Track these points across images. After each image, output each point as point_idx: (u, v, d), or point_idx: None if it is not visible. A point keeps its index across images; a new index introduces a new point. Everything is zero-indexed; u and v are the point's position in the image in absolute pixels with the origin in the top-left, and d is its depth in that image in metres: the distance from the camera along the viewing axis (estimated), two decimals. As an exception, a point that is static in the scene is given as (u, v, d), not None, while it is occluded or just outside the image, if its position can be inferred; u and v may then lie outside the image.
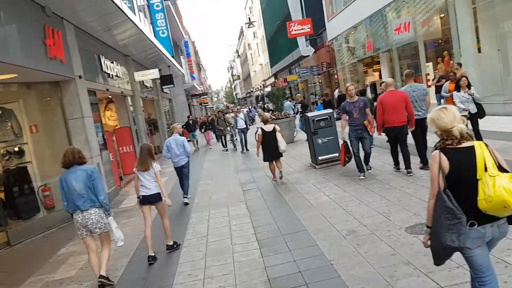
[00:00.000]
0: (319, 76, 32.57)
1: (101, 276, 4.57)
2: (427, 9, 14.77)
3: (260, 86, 63.20)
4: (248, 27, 36.00)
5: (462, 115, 2.69)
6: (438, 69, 15.58)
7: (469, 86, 7.82)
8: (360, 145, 7.79)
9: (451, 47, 13.51)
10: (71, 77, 8.78)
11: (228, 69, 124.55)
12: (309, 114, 9.45)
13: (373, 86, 20.06)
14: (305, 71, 33.42)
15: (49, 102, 9.11)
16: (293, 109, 15.94)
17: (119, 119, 14.58)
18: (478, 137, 7.60)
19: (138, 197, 5.45)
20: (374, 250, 4.40)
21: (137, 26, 11.32)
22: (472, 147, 2.52)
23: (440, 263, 2.71)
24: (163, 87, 21.21)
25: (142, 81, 17.28)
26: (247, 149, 15.04)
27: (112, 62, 12.64)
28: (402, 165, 7.43)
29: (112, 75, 12.42)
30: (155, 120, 20.35)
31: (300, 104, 14.93)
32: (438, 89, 13.61)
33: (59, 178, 4.74)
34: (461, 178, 2.48)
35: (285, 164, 10.80)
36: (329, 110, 9.66)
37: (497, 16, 11.53)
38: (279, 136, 8.57)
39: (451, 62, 15.98)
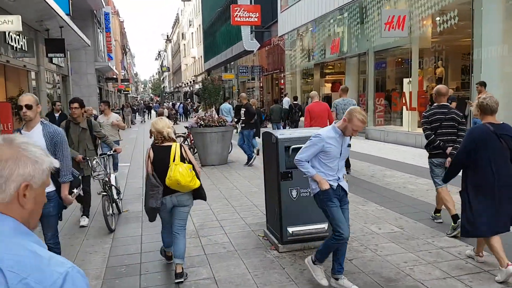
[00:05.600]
0: (260, 80, 27.92)
1: None
2: (432, 3, 10.65)
3: (190, 82, 57.15)
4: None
5: None
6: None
7: None
8: None
9: (471, 60, 9.42)
10: None
11: (156, 57, 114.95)
12: (279, 134, 4.44)
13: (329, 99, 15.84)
14: (244, 71, 28.53)
15: None
16: (231, 116, 10.90)
17: None
18: None
19: None
20: None
21: None
22: (170, 146, 3.75)
23: (153, 219, 3.94)
24: (49, 55, 14.91)
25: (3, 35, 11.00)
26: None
27: None
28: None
29: None
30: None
31: (244, 110, 9.78)
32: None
33: None
34: (160, 165, 3.71)
35: (215, 218, 5.61)
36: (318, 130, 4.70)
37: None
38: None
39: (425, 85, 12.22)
